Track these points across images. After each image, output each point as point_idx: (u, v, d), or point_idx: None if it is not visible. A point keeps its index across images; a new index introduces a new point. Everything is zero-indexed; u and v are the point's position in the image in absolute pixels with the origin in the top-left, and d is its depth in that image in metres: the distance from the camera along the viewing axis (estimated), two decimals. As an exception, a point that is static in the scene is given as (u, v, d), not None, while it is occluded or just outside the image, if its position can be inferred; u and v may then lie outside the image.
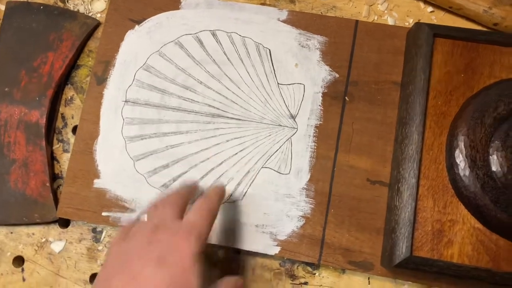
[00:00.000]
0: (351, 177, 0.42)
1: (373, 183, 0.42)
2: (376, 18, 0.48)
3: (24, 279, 0.44)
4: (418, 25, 0.42)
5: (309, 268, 0.43)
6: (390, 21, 0.48)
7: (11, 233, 0.45)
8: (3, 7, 0.50)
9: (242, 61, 0.45)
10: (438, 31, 0.41)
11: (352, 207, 0.42)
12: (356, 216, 0.42)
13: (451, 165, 0.39)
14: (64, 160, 0.46)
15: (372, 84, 0.44)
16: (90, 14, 0.49)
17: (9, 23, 0.48)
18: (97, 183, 0.43)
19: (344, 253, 0.41)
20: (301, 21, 0.46)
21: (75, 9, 0.49)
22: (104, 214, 0.42)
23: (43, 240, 0.44)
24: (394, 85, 0.44)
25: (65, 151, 0.46)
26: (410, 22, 0.48)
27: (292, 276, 0.43)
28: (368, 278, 0.43)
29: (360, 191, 0.42)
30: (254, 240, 0.42)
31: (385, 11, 0.48)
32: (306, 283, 0.43)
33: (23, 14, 0.48)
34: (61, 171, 0.46)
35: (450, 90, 0.41)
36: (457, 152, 0.38)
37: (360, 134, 0.43)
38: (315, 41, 0.45)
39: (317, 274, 0.43)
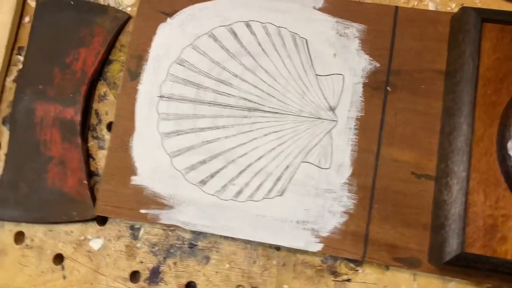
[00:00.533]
0: (395, 170, 0.41)
1: (419, 176, 0.41)
2: (416, 3, 0.46)
3: (64, 277, 0.44)
4: (464, 9, 0.40)
5: (352, 265, 0.42)
6: (431, 6, 0.45)
7: (50, 231, 0.45)
8: (33, 3, 0.49)
9: (278, 52, 0.44)
10: (486, 16, 0.39)
11: (396, 202, 0.40)
12: (401, 211, 0.40)
13: (503, 157, 0.37)
14: (100, 157, 0.46)
15: (415, 73, 0.42)
16: (120, 8, 0.48)
17: (41, 20, 0.47)
18: (134, 180, 0.43)
19: (389, 250, 0.40)
20: (338, 8, 0.44)
21: (105, 3, 0.48)
22: (142, 211, 0.42)
23: (82, 238, 0.44)
24: (438, 74, 0.42)
25: (100, 148, 0.46)
26: (452, 7, 0.45)
27: (335, 273, 0.42)
28: (414, 275, 0.41)
29: (405, 185, 0.41)
30: (295, 236, 0.41)
31: (426, -4, 0.46)
32: (349, 280, 0.42)
33: (54, 11, 0.47)
34: (97, 168, 0.45)
35: (500, 78, 0.38)
36: (509, 143, 0.36)
37: (403, 126, 0.41)
38: (354, 29, 0.43)
39: (360, 271, 0.42)
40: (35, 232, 0.45)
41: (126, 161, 0.43)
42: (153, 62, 0.44)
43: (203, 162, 0.42)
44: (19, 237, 0.45)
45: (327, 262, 0.42)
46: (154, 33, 0.45)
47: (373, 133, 0.42)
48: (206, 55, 0.44)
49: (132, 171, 0.43)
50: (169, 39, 0.45)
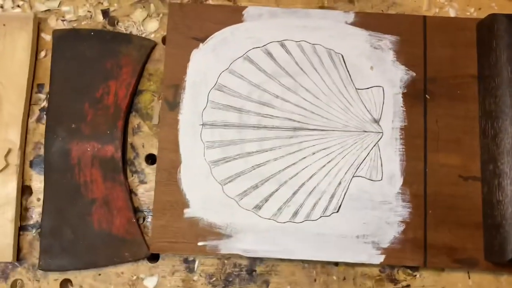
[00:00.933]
0: (444, 175, 0.42)
1: (466, 179, 0.42)
2: (437, 10, 0.47)
3: (121, 321, 0.42)
4: (493, 16, 0.42)
5: (409, 271, 0.43)
6: (451, 13, 0.47)
7: (99, 275, 0.43)
8: (47, 37, 0.46)
9: (316, 70, 0.44)
10: (517, 21, 0.41)
11: (448, 205, 0.42)
12: (454, 213, 0.42)
13: (547, 154, 0.39)
14: (142, 192, 0.44)
15: (450, 79, 0.44)
16: (144, 35, 0.46)
17: (60, 53, 0.45)
18: (188, 213, 0.41)
19: (448, 252, 0.41)
20: (369, 22, 0.45)
21: (127, 32, 0.46)
22: (200, 244, 0.41)
23: (134, 277, 0.43)
24: (471, 78, 0.44)
25: (141, 182, 0.44)
26: (471, 11, 0.47)
27: (394, 281, 0.43)
28: (468, 273, 0.43)
29: (454, 188, 0.42)
30: (357, 251, 0.41)
31: (445, 3, 0.48)
32: (408, 286, 0.43)
33: (73, 43, 0.45)
34: (140, 204, 0.44)
35: (536, 78, 0.41)
36: (552, 140, 0.39)
37: (445, 131, 0.43)
38: (387, 41, 0.44)
39: (418, 276, 0.43)
40: (83, 278, 0.43)
41: (176, 194, 0.42)
42: (191, 90, 0.43)
43: (255, 186, 0.42)
44: (66, 285, 0.43)
45: (386, 271, 0.43)
46: (187, 60, 0.44)
47: (418, 141, 0.43)
48: (244, 79, 0.44)
49: (184, 203, 0.42)
50: (204, 65, 0.44)
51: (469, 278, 0.43)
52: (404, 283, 0.43)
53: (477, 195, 0.42)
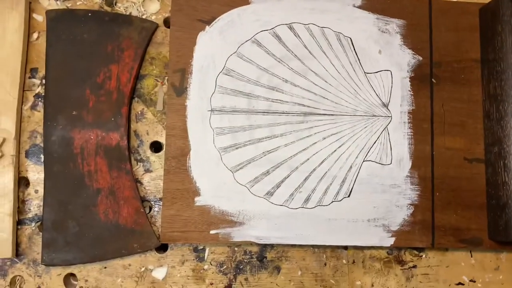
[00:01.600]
0: (450, 158, 0.43)
1: (470, 161, 0.43)
2: (440, -6, 0.48)
3: (131, 314, 0.41)
4: (498, 1, 0.43)
5: (415, 252, 0.44)
6: (454, -3, 0.48)
7: (105, 268, 0.41)
8: (39, 18, 0.43)
9: (325, 53, 0.43)
10: (522, 6, 0.42)
11: (454, 188, 0.43)
12: (460, 195, 0.43)
13: (548, 136, 0.40)
14: (148, 181, 0.42)
15: (454, 64, 0.44)
16: (144, 17, 0.44)
17: (55, 35, 0.42)
18: (199, 201, 0.40)
19: (455, 233, 0.42)
20: (376, 5, 0.44)
21: (127, 13, 0.44)
22: (212, 232, 0.40)
23: (142, 269, 0.41)
24: (474, 62, 0.44)
25: (147, 171, 0.43)
26: (472, -5, 0.48)
27: (401, 262, 0.44)
28: (470, 252, 0.44)
29: (460, 171, 0.43)
30: (368, 234, 0.41)
31: (447, -13, 0.48)
32: (415, 266, 0.44)
33: (68, 24, 0.42)
34: (146, 193, 0.42)
35: (538, 62, 0.42)
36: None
37: (451, 115, 0.44)
38: (394, 25, 0.44)
39: (424, 256, 0.44)
40: (87, 272, 0.41)
41: (186, 183, 0.40)
42: (199, 74, 0.42)
43: (267, 173, 0.41)
44: (69, 280, 0.41)
45: (393, 253, 0.44)
46: (194, 43, 0.42)
47: (425, 125, 0.43)
48: (253, 63, 0.42)
49: (195, 191, 0.40)
50: (211, 48, 0.42)
51: (471, 256, 0.45)
52: (411, 264, 0.44)
53: (481, 176, 0.43)
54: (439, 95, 0.44)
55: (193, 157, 0.41)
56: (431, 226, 0.42)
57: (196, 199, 0.40)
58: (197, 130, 0.41)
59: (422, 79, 0.44)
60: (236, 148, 0.41)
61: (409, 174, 0.43)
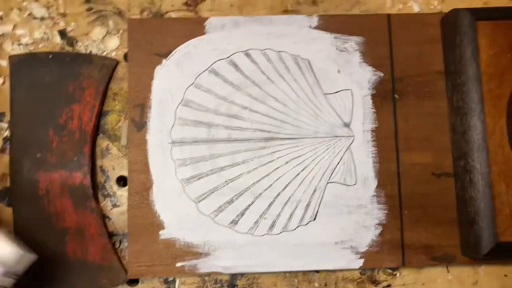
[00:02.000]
0: (417, 174, 0.42)
1: (438, 176, 0.42)
2: (401, 7, 0.47)
3: None
4: (455, 11, 0.42)
5: (389, 271, 0.43)
6: (415, 8, 0.47)
7: (79, 303, 0.42)
8: (3, 63, 0.45)
9: (283, 78, 0.43)
10: (480, 15, 0.41)
11: (423, 204, 0.42)
12: (429, 211, 0.42)
13: (515, 146, 0.39)
14: (116, 215, 0.43)
15: (417, 77, 0.44)
16: (104, 54, 0.45)
17: (18, 80, 0.43)
18: (163, 234, 0.41)
19: (426, 251, 0.42)
20: (333, 24, 0.44)
21: (87, 51, 0.45)
22: (178, 265, 0.41)
23: (115, 303, 0.42)
24: (438, 74, 0.44)
25: (114, 205, 0.43)
26: (435, 5, 0.47)
27: (375, 282, 0.43)
28: (447, 267, 0.44)
29: (428, 186, 0.42)
30: (336, 257, 0.41)
31: (409, -2, 0.47)
32: (389, 286, 0.43)
33: (31, 68, 0.43)
34: (115, 228, 0.43)
35: (501, 71, 0.41)
36: (519, 133, 0.39)
37: (416, 130, 0.43)
38: (352, 42, 0.44)
39: (398, 274, 0.43)
40: (62, 308, 0.42)
41: (150, 217, 0.41)
42: (158, 108, 0.42)
43: (230, 201, 0.42)
44: (45, 317, 0.42)
45: (366, 273, 0.43)
46: (151, 77, 0.43)
47: (390, 142, 0.43)
48: (211, 92, 0.43)
49: (159, 225, 0.41)
50: (169, 81, 0.42)
51: (448, 272, 0.44)
52: (385, 283, 0.43)
53: (450, 191, 0.42)
54: (402, 110, 0.43)
55: (156, 190, 0.41)
56: (401, 245, 0.42)
57: (160, 232, 0.41)
58: (158, 164, 0.42)
59: (384, 96, 0.43)
60: (198, 179, 0.42)
61: (375, 194, 0.42)
